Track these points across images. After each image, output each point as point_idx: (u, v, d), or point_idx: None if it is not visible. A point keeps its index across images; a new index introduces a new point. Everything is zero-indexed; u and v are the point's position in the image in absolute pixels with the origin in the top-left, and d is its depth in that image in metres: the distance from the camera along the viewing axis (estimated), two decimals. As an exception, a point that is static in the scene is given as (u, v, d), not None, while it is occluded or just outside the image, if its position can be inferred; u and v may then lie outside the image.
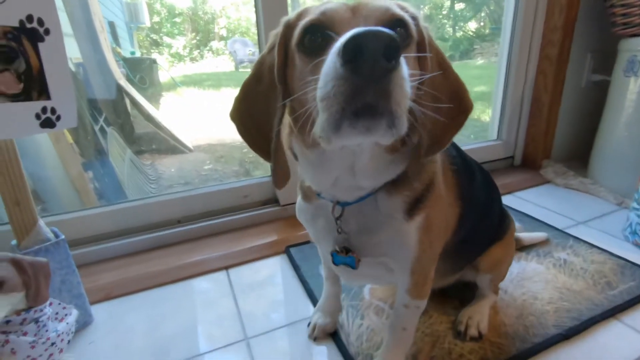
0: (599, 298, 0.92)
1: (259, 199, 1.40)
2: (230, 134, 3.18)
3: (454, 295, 0.94)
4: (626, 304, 0.90)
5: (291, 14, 0.53)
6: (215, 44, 4.33)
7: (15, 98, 0.69)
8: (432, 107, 0.48)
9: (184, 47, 3.95)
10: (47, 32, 0.71)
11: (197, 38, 4.06)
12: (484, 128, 3.16)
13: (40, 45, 0.71)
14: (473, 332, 0.81)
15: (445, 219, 0.65)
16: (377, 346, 0.81)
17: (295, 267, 1.11)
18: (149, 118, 2.57)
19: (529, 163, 1.80)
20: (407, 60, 0.44)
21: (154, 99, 3.05)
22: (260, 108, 0.54)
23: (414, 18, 0.51)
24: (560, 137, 1.76)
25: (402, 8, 0.51)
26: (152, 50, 3.38)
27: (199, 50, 4.10)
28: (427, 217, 0.59)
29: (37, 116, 0.72)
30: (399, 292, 0.68)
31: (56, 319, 0.75)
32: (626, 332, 0.83)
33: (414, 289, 0.65)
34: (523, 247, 1.15)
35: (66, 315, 0.76)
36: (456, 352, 0.78)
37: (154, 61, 3.13)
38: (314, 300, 0.96)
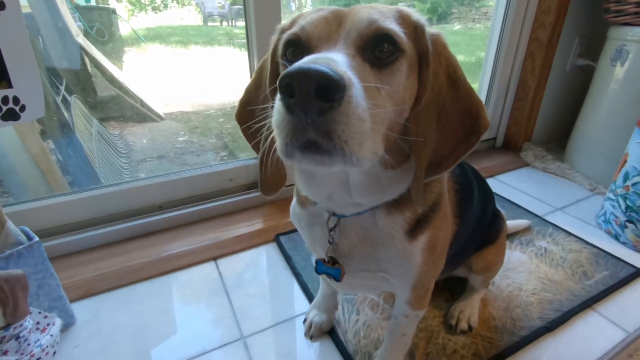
0: (577, 288, 0.98)
1: (245, 183, 1.34)
2: (204, 101, 3.00)
3: (445, 288, 0.97)
4: (601, 294, 0.96)
5: (286, 20, 0.50)
6: (180, -9, 3.95)
7: (-32, 88, 0.58)
8: (435, 124, 0.45)
9: (145, -7, 3.56)
10: (2, 6, 0.59)
11: (159, -18, 3.67)
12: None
13: (-5, 22, 0.59)
14: (463, 325, 0.84)
15: (449, 237, 0.64)
16: (374, 343, 0.82)
17: (287, 258, 1.09)
18: (112, 80, 2.35)
19: (511, 145, 1.84)
20: (398, 76, 0.42)
21: (116, 56, 2.78)
22: (260, 113, 0.52)
23: (417, 27, 0.46)
24: (542, 120, 1.80)
25: (403, 17, 0.46)
26: (108, -2, 3.02)
27: (161, -2, 3.72)
28: (432, 238, 0.57)
29: (-2, 108, 0.62)
30: (398, 302, 0.68)
31: (37, 329, 0.69)
32: (601, 322, 0.89)
33: (415, 301, 0.65)
34: (507, 235, 1.19)
35: (48, 325, 0.70)
36: (450, 348, 0.81)
37: (112, 11, 2.82)
38: (308, 294, 0.96)
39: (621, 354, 0.85)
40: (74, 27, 2.01)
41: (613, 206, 1.20)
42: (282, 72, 0.40)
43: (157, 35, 3.79)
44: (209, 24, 4.33)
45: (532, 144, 1.80)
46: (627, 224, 1.15)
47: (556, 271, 1.04)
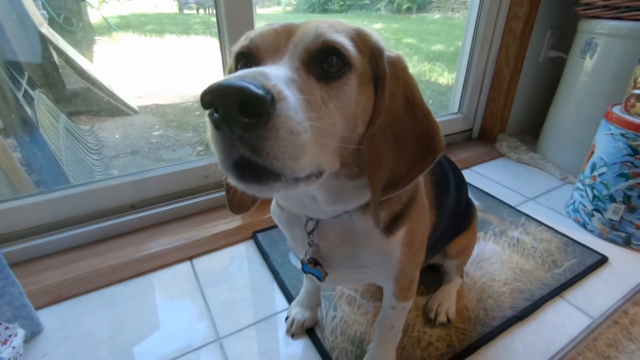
0: (547, 277, 1.01)
1: (221, 179, 1.31)
2: (180, 93, 2.92)
3: (420, 281, 0.98)
4: (569, 283, 1.00)
5: (242, 37, 0.48)
6: (153, -24, 3.79)
7: None
8: (392, 145, 0.46)
9: (115, -22, 3.40)
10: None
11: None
12: (441, 92, 3.21)
13: None
14: (442, 318, 0.86)
15: (428, 228, 0.65)
16: (351, 339, 0.83)
17: (264, 255, 1.08)
18: (82, 73, 2.24)
19: (486, 136, 1.87)
20: (347, 90, 0.42)
21: (86, 47, 2.66)
22: None
23: (374, 49, 0.46)
24: (516, 111, 1.83)
25: (361, 36, 0.46)
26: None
27: (134, -16, 3.56)
28: (410, 231, 0.58)
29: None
30: (385, 295, 0.70)
31: (-1, 341, 0.66)
32: (569, 310, 0.93)
33: (400, 293, 0.67)
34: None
35: (10, 336, 0.67)
36: (425, 340, 0.83)
37: (80, -3, 2.68)
38: (285, 292, 0.95)
39: (587, 339, 0.89)
40: (37, 15, 1.90)
41: (581, 196, 1.24)
42: None
43: (130, 24, 3.63)
44: (185, 11, 4.18)
45: (506, 135, 1.84)
46: (594, 212, 1.19)
47: (527, 261, 1.08)
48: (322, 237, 0.59)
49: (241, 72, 0.34)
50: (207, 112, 0.35)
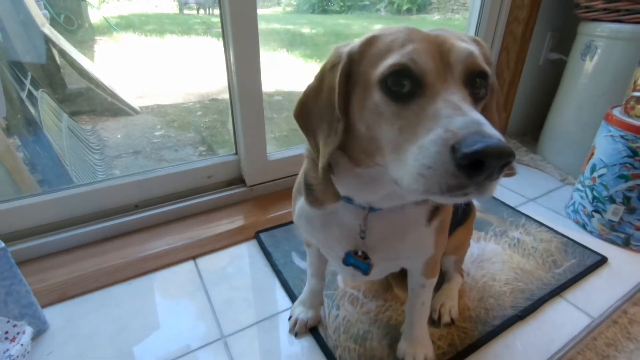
0: (547, 277, 1.02)
1: (224, 179, 1.33)
2: (181, 93, 2.93)
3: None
4: (569, 282, 1.01)
5: (355, 41, 0.49)
6: (153, -24, 3.79)
7: None
8: None
9: (115, -21, 3.39)
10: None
11: (130, -33, 3.51)
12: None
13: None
14: (446, 319, 0.87)
15: (450, 219, 0.69)
16: (354, 337, 0.84)
17: (267, 255, 1.09)
18: (83, 73, 2.25)
19: (486, 137, 1.87)
20: (481, 109, 0.46)
21: (87, 46, 2.66)
22: (315, 119, 0.53)
23: (488, 60, 0.49)
24: (516, 112, 1.85)
25: (482, 49, 0.49)
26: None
27: (134, -16, 3.56)
28: (442, 221, 0.64)
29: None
30: (413, 276, 0.74)
31: (6, 338, 0.67)
32: (569, 309, 0.94)
33: (430, 271, 0.72)
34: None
35: (18, 333, 0.68)
36: (427, 339, 0.84)
37: (82, -3, 2.68)
38: (289, 291, 0.96)
39: (586, 338, 0.90)
40: (40, 16, 1.91)
41: (581, 197, 1.25)
42: (381, 98, 0.44)
43: (131, 24, 3.64)
44: (185, 12, 4.19)
45: (507, 136, 1.85)
46: (594, 213, 1.20)
47: (528, 261, 1.09)
48: (368, 230, 0.61)
49: (474, 123, 0.37)
50: (448, 156, 0.37)
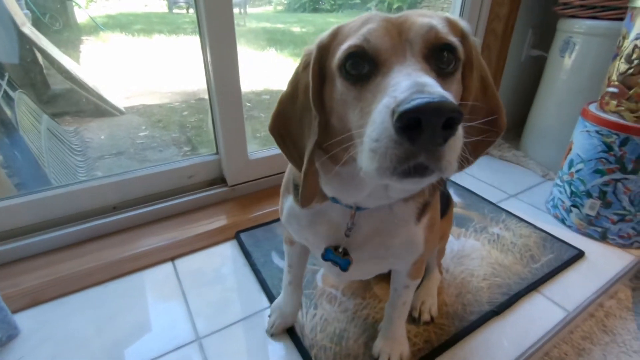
0: (525, 272, 1.03)
1: (204, 179, 1.32)
2: (167, 92, 2.90)
3: (402, 277, 1.00)
4: (546, 277, 1.02)
5: (324, 33, 0.49)
6: (141, -26, 3.74)
7: None
8: (470, 126, 0.48)
9: (102, -23, 3.35)
10: None
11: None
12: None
13: None
14: (426, 317, 0.88)
15: (439, 213, 0.69)
16: (330, 336, 0.84)
17: (247, 255, 1.09)
18: (66, 74, 2.22)
19: (470, 134, 1.89)
20: (456, 86, 0.45)
21: (72, 47, 2.62)
22: (295, 126, 0.52)
23: (463, 35, 0.48)
24: (499, 109, 1.86)
25: (451, 24, 0.47)
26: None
27: (122, -18, 3.51)
28: (431, 218, 0.63)
29: None
30: (398, 276, 0.74)
31: (-28, 344, 0.66)
32: (546, 303, 0.94)
33: (415, 272, 0.72)
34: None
35: (-16, 339, 0.67)
36: (404, 336, 0.84)
37: (66, -4, 2.64)
38: (267, 291, 0.96)
39: (562, 331, 0.91)
40: (20, 15, 1.88)
41: (560, 192, 1.27)
42: (342, 84, 0.43)
43: (118, 24, 3.58)
44: (175, 11, 4.14)
45: (490, 132, 1.86)
46: (572, 208, 1.21)
47: (506, 256, 1.09)
48: (355, 228, 0.61)
49: (414, 84, 0.35)
50: (378, 122, 0.36)
